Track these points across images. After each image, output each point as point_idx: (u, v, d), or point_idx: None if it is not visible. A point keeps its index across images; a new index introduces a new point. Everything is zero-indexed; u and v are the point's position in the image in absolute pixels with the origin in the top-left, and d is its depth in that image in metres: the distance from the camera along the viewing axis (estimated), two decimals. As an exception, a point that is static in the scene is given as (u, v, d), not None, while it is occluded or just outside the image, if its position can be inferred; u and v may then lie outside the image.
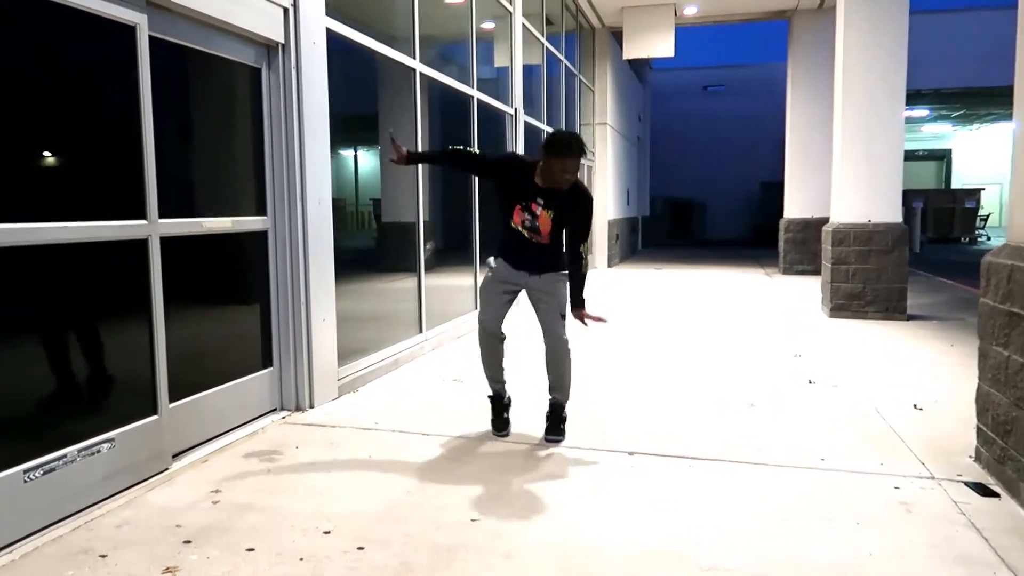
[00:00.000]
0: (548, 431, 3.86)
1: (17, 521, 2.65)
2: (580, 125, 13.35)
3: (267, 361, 4.23)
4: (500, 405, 4.00)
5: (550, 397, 3.92)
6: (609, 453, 3.66)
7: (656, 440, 3.85)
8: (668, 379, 5.20)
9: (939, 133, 30.98)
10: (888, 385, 5.00)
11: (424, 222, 6.28)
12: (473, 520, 2.86)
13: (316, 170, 4.33)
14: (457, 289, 7.57)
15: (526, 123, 9.22)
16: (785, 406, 4.50)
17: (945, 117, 27.30)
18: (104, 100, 3.13)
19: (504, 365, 3.98)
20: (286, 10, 4.11)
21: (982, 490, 3.17)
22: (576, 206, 3.66)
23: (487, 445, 3.80)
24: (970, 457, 3.55)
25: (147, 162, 3.17)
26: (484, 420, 4.16)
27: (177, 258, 3.40)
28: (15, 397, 2.76)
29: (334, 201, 4.67)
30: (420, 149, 6.14)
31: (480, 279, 7.57)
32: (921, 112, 24.64)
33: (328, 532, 2.74)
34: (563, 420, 3.89)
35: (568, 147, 3.44)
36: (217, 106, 4.07)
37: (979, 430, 3.51)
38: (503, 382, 4.00)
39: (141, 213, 3.17)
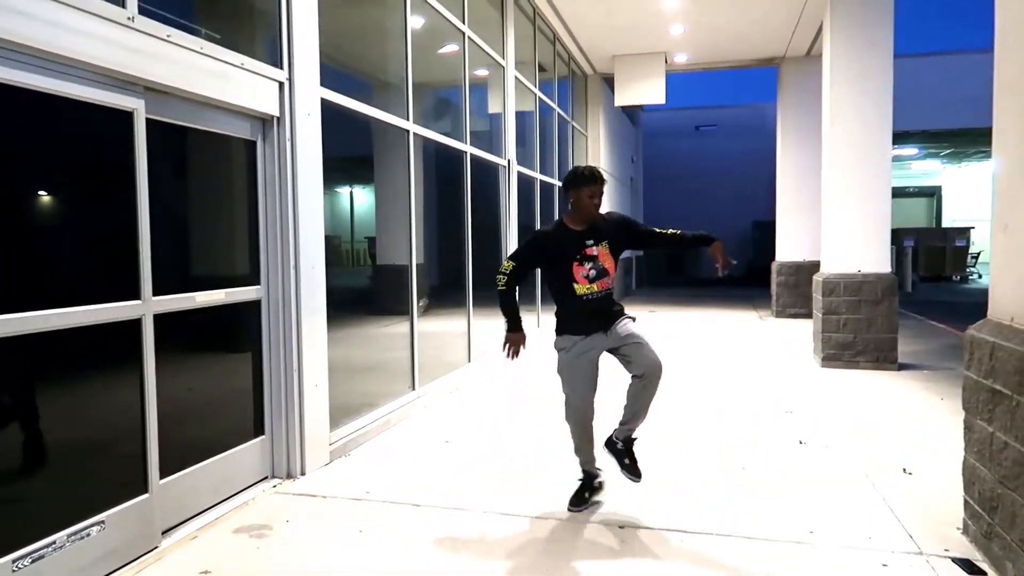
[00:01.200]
0: (628, 470, 3.82)
1: (4, 612, 2.65)
2: (573, 170, 13.49)
3: (259, 429, 4.24)
4: (589, 484, 3.95)
5: (624, 428, 3.82)
6: (598, 526, 3.67)
7: (647, 509, 3.85)
8: (661, 435, 5.19)
9: (929, 170, 31.34)
10: (878, 445, 5.02)
11: (418, 265, 6.32)
12: (462, 605, 2.86)
13: (310, 238, 4.39)
14: (450, 336, 7.59)
15: (520, 173, 9.34)
16: (776, 469, 4.51)
17: (934, 155, 27.66)
18: (101, 184, 3.19)
19: (594, 444, 3.92)
20: (281, 84, 4.21)
21: (969, 567, 3.18)
22: (622, 227, 3.75)
23: (476, 517, 3.79)
24: (958, 529, 3.57)
25: (142, 243, 3.22)
26: (474, 488, 4.18)
27: (169, 329, 3.43)
28: (2, 483, 2.77)
29: (329, 239, 4.72)
30: (413, 206, 6.23)
31: (473, 321, 7.68)
32: (911, 150, 24.99)
33: (318, 619, 2.74)
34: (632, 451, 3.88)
35: (591, 175, 3.60)
36: (212, 179, 4.14)
37: (966, 502, 3.52)
38: (593, 460, 3.95)
39: (135, 294, 3.21)
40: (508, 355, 3.80)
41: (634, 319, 3.78)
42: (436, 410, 6.21)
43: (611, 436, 3.89)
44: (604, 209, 3.79)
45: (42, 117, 2.86)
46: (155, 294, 3.30)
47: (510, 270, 3.72)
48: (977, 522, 3.37)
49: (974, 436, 3.43)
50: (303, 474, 4.36)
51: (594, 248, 3.63)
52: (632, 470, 3.82)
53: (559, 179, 12.05)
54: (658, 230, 3.79)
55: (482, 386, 7.24)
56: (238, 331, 4.19)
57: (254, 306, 4.17)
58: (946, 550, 3.35)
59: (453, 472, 4.52)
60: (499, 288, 3.75)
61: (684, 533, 3.57)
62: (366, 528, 3.64)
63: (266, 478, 4.26)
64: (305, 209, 4.31)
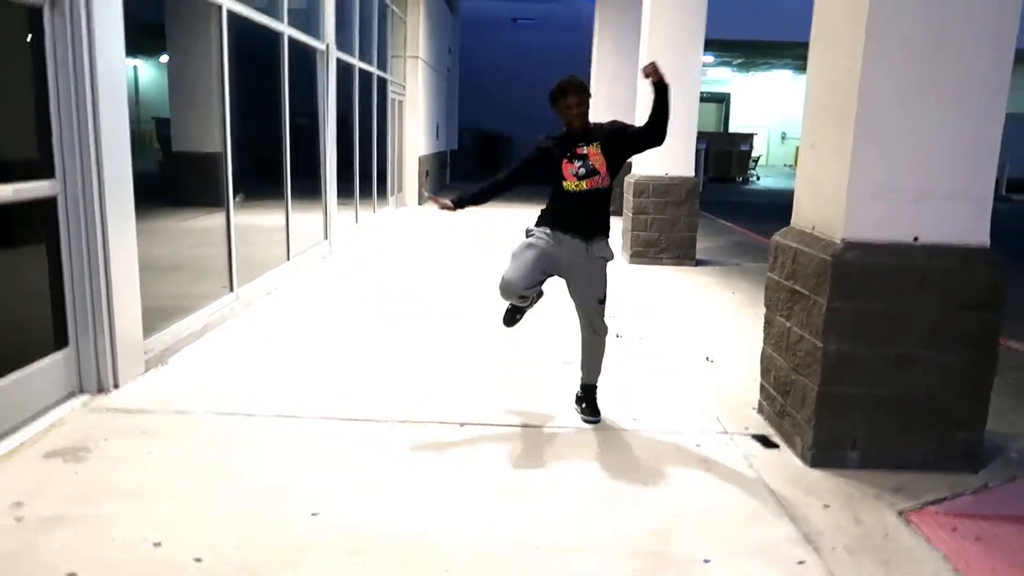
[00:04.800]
0: (585, 411, 3.92)
1: None
2: (391, 58, 12.91)
3: (61, 340, 3.80)
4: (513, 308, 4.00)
5: (581, 378, 4.00)
6: (440, 425, 3.75)
7: (480, 407, 3.98)
8: (482, 335, 5.33)
9: (720, 78, 33.62)
10: (684, 337, 5.54)
11: (220, 153, 5.79)
12: (314, 515, 2.83)
13: (113, 124, 3.85)
14: (264, 232, 7.14)
15: (339, 60, 8.76)
16: (599, 363, 4.83)
17: (727, 63, 29.68)
18: None
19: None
20: (67, -62, 3.54)
21: (765, 442, 3.66)
22: (616, 130, 3.75)
23: (311, 424, 3.72)
24: (753, 409, 4.07)
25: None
26: (305, 392, 4.09)
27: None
28: None
29: None
30: (227, 91, 5.68)
31: (292, 216, 7.27)
32: (708, 58, 26.59)
33: (158, 544, 2.59)
34: (595, 399, 3.97)
35: (561, 87, 3.67)
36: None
37: (762, 387, 4.02)
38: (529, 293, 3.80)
39: None
40: (436, 204, 3.99)
41: (607, 256, 3.79)
42: (256, 311, 5.92)
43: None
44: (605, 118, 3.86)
45: None
46: (-76, 190, 2.77)
47: (512, 168, 3.86)
48: (772, 403, 3.86)
49: (773, 330, 3.87)
50: (117, 387, 4.00)
51: (584, 148, 3.67)
52: (588, 411, 3.92)
53: (377, 67, 11.48)
54: (642, 124, 3.75)
55: (301, 286, 6.98)
56: (31, 232, 3.66)
57: (49, 203, 3.64)
58: (746, 428, 3.82)
59: (282, 377, 4.37)
60: (496, 179, 3.87)
61: (515, 427, 3.76)
62: (196, 442, 3.45)
63: (74, 394, 3.86)
64: (107, 91, 3.76)
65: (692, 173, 8.73)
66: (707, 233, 11.29)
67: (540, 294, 3.99)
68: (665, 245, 8.76)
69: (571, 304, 3.93)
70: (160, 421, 3.67)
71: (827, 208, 3.41)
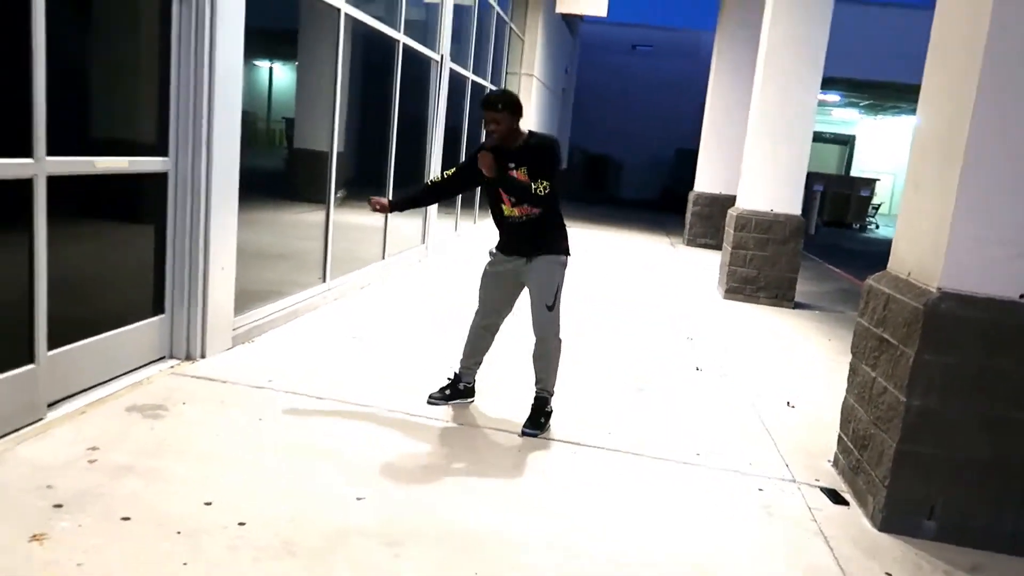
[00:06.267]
0: (526, 423, 3.81)
1: None
2: (507, 75, 13.15)
3: (159, 308, 4.06)
4: (453, 384, 4.06)
5: (535, 389, 3.92)
6: (496, 432, 3.75)
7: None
8: (567, 353, 5.29)
9: (846, 119, 32.27)
10: (768, 378, 5.31)
11: (337, 154, 6.07)
12: (359, 499, 2.89)
13: (225, 111, 4.10)
14: (366, 230, 7.41)
15: (452, 71, 9.00)
16: (672, 393, 4.72)
17: (854, 104, 28.45)
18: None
19: (480, 356, 4.07)
20: (205, -65, 3.82)
21: (835, 497, 3.45)
22: (537, 155, 3.61)
23: (379, 414, 3.81)
24: (828, 461, 3.85)
25: (36, 95, 2.92)
26: (379, 385, 4.19)
27: (66, 197, 3.19)
28: None
29: (244, 114, 4.44)
30: (339, 93, 5.94)
31: (390, 217, 7.49)
32: (834, 97, 25.59)
33: (210, 504, 2.71)
34: (545, 415, 3.87)
35: (481, 100, 3.62)
36: (119, 38, 3.76)
37: (840, 438, 3.80)
38: (472, 368, 4.08)
39: (27, 151, 2.94)
40: (371, 204, 3.91)
41: (563, 263, 3.79)
42: (346, 304, 6.13)
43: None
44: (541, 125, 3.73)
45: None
46: (50, 154, 3.03)
47: (451, 172, 3.90)
48: (847, 457, 3.64)
49: (857, 379, 3.66)
50: (203, 357, 4.24)
51: (514, 171, 3.60)
52: (527, 422, 3.80)
53: (491, 81, 11.72)
54: (536, 182, 3.56)
55: (393, 285, 7.18)
56: (141, 204, 3.94)
57: (160, 179, 3.91)
58: (816, 479, 3.62)
59: (359, 368, 4.50)
60: (433, 180, 4.01)
61: (578, 446, 3.70)
62: (266, 416, 3.60)
63: (163, 358, 4.11)
64: (223, 80, 4.01)
65: (799, 212, 8.41)
66: (812, 277, 10.85)
67: (472, 392, 4.10)
68: (763, 283, 8.46)
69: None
70: (237, 393, 3.85)
71: (925, 253, 3.20)
